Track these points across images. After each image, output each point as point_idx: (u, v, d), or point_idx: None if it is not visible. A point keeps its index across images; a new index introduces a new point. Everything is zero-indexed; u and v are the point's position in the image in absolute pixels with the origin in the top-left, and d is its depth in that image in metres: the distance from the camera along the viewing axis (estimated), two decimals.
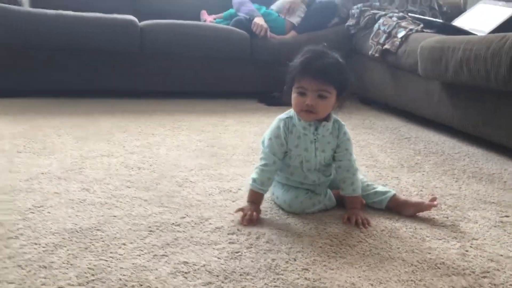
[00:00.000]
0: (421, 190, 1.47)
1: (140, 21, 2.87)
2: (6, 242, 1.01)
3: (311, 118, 1.20)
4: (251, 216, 1.17)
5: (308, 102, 1.16)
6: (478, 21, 2.60)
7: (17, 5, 2.73)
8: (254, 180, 1.22)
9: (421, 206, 1.26)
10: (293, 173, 1.28)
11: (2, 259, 0.94)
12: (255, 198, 1.23)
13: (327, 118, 1.24)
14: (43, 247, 1.00)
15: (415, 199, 1.33)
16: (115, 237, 1.06)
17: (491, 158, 1.89)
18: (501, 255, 1.07)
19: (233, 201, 1.31)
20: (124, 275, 0.91)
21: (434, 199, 1.26)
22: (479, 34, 2.26)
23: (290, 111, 1.26)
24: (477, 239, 1.15)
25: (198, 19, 3.32)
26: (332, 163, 1.29)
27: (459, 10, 3.00)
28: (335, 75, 1.16)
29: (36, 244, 1.01)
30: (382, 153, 1.89)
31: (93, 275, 0.91)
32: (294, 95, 1.20)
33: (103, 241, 1.04)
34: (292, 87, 1.21)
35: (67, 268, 0.92)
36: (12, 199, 1.24)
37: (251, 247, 1.05)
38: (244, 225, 1.16)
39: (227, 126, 2.26)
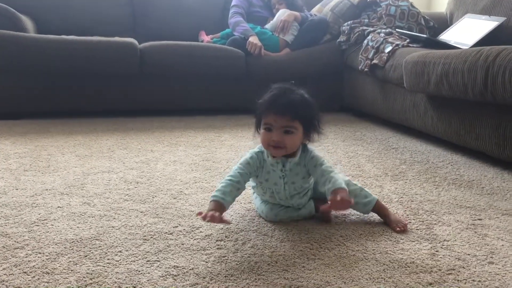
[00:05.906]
0: (401, 197, 1.56)
1: (140, 43, 3.01)
2: (13, 252, 1.11)
3: (280, 153, 1.22)
4: (213, 214, 1.08)
5: (274, 138, 1.19)
6: (463, 34, 2.71)
7: (22, 31, 2.87)
8: (216, 191, 1.20)
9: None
10: (268, 200, 1.35)
11: (9, 267, 1.04)
12: (215, 207, 1.16)
13: (295, 154, 1.26)
14: (46, 255, 1.09)
15: (395, 216, 1.35)
16: (112, 246, 1.15)
17: (473, 165, 1.97)
18: (468, 254, 1.15)
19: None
20: (119, 278, 1.00)
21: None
22: (463, 47, 2.37)
23: (261, 146, 1.28)
24: (448, 241, 1.23)
25: (196, 39, 3.45)
26: (307, 186, 1.32)
27: (446, 25, 3.10)
28: (299, 111, 1.19)
29: (40, 253, 1.11)
30: (368, 163, 1.98)
31: (91, 279, 1.00)
32: (262, 131, 1.23)
33: (101, 249, 1.13)
34: (260, 124, 1.24)
35: (68, 274, 1.02)
36: (18, 214, 1.34)
37: (237, 252, 1.14)
38: (208, 221, 1.07)
39: (223, 141, 2.37)
